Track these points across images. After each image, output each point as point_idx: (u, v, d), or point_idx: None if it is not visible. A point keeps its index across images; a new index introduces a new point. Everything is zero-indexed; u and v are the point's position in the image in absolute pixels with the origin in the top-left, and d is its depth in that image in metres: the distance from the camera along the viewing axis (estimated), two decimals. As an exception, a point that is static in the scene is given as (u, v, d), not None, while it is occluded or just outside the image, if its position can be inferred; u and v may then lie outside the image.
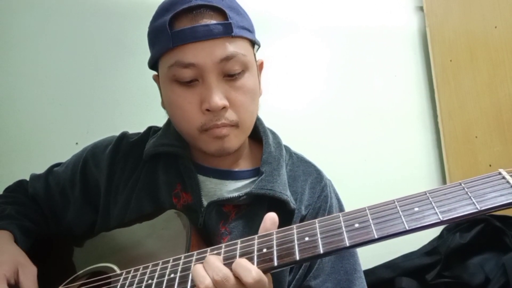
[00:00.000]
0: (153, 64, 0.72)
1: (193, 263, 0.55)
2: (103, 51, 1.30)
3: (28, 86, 1.22)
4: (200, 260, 0.55)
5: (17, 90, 1.21)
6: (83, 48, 1.28)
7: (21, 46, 1.22)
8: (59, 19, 1.26)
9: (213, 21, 0.64)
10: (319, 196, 0.76)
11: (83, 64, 1.28)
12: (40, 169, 0.86)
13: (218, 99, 0.64)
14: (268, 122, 0.83)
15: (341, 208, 0.80)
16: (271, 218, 0.56)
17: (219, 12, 0.66)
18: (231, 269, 0.50)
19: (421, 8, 1.72)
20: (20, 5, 1.22)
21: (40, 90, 1.23)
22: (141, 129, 0.84)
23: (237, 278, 0.50)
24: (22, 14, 1.23)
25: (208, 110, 0.65)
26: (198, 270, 0.51)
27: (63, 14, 1.27)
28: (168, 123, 0.80)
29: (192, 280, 0.53)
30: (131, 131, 0.85)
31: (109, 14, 1.31)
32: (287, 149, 0.83)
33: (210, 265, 0.51)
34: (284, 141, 0.82)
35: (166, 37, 0.64)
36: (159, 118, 0.83)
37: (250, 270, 0.49)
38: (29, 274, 0.65)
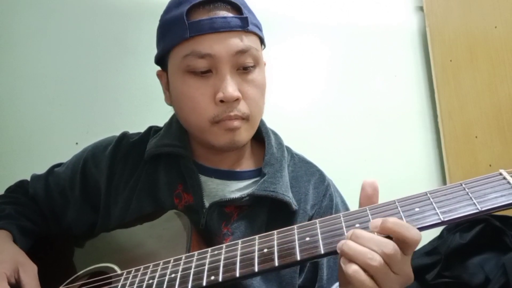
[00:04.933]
0: (161, 58, 0.72)
1: (194, 263, 0.55)
2: (104, 51, 1.30)
3: (28, 86, 1.22)
4: (201, 259, 0.55)
5: (17, 90, 1.21)
6: (84, 48, 1.28)
7: (22, 46, 1.22)
8: (59, 19, 1.26)
9: (230, 14, 0.66)
10: (324, 195, 0.77)
11: (83, 64, 1.28)
12: (40, 169, 0.86)
13: (233, 90, 0.65)
14: (269, 122, 0.83)
15: (346, 207, 0.80)
16: (370, 184, 0.53)
17: (234, 6, 0.68)
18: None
19: (421, 8, 1.73)
20: (20, 5, 1.22)
21: (40, 90, 1.23)
22: (142, 129, 0.84)
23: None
24: (23, 14, 1.23)
25: (221, 101, 0.65)
26: (355, 247, 0.45)
27: (63, 14, 1.27)
28: (170, 123, 0.80)
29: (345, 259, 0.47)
30: (132, 131, 0.85)
31: (110, 14, 1.31)
32: (289, 150, 0.83)
33: (370, 240, 0.45)
34: (285, 141, 0.82)
35: (182, 27, 0.65)
36: (160, 118, 0.83)
37: (409, 226, 0.45)
38: (30, 272, 0.65)
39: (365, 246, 0.45)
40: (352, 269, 0.45)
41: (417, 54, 1.73)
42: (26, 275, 0.64)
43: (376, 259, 0.44)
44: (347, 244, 0.46)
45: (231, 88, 0.65)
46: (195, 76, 0.67)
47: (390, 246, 0.44)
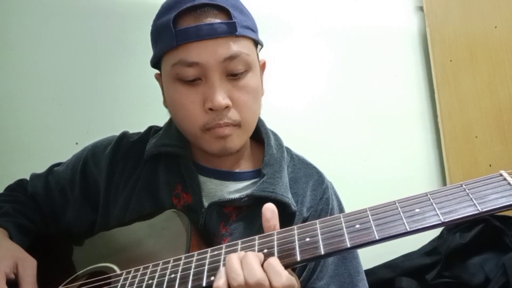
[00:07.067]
0: (156, 63, 0.72)
1: (193, 263, 0.55)
2: (103, 51, 1.30)
3: (28, 86, 1.22)
4: (200, 260, 0.55)
5: (17, 90, 1.21)
6: (83, 48, 1.28)
7: (21, 46, 1.22)
8: (59, 19, 1.26)
9: (217, 20, 0.64)
10: (321, 198, 0.76)
11: (83, 64, 1.28)
12: (40, 169, 0.86)
13: (221, 98, 0.64)
14: (269, 122, 0.83)
15: (342, 210, 0.80)
16: (269, 209, 0.56)
17: (223, 11, 0.65)
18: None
19: (421, 8, 1.73)
20: (20, 5, 1.22)
21: (40, 90, 1.23)
22: (141, 129, 0.84)
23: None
24: (22, 14, 1.23)
25: (211, 109, 0.65)
26: (233, 264, 0.50)
27: (63, 14, 1.27)
28: (169, 123, 0.80)
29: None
30: (131, 131, 0.85)
31: (109, 14, 1.31)
32: (288, 150, 0.82)
33: (247, 264, 0.49)
34: (285, 141, 0.82)
35: (169, 35, 0.64)
36: (159, 118, 0.83)
37: (281, 275, 0.48)
38: (28, 268, 0.64)
39: (241, 266, 0.49)
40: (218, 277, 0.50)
41: (417, 54, 1.73)
42: (24, 271, 0.64)
43: (237, 279, 0.48)
44: (230, 257, 0.51)
45: (219, 96, 0.64)
46: (184, 84, 0.66)
47: (255, 278, 0.48)
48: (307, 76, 1.55)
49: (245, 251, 0.53)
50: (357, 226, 0.49)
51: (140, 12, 1.32)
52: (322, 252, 0.49)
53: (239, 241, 0.55)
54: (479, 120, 1.45)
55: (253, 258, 0.50)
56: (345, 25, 1.63)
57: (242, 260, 0.50)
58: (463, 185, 0.48)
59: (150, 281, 0.56)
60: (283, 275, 0.48)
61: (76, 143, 1.19)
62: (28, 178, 0.86)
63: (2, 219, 0.72)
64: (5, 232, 0.70)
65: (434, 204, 0.48)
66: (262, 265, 0.50)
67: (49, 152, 1.18)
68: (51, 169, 0.86)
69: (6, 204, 0.77)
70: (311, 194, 0.76)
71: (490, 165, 1.42)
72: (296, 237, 0.52)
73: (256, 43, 0.72)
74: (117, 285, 0.59)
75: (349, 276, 0.73)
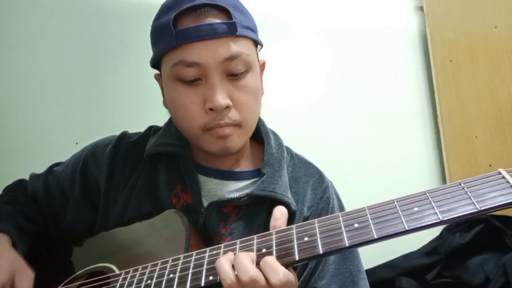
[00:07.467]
0: (156, 63, 0.72)
1: (192, 263, 0.55)
2: (103, 51, 1.30)
3: (28, 86, 1.22)
4: (199, 259, 0.55)
5: (17, 90, 1.21)
6: (83, 48, 1.28)
7: (21, 46, 1.22)
8: (59, 19, 1.26)
9: (217, 20, 0.64)
10: (321, 197, 0.76)
11: (83, 64, 1.28)
12: (40, 169, 0.86)
13: (222, 99, 0.64)
14: (269, 122, 0.83)
15: (342, 210, 0.80)
16: (279, 209, 0.57)
17: (223, 11, 0.65)
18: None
19: (421, 8, 1.72)
20: (20, 5, 1.22)
21: (40, 90, 1.23)
22: (141, 129, 0.84)
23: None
24: (22, 14, 1.23)
25: (211, 109, 0.65)
26: (222, 265, 0.50)
27: (63, 14, 1.27)
28: (169, 123, 0.80)
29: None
30: (131, 131, 0.85)
31: (109, 14, 1.31)
32: (288, 150, 0.83)
33: (239, 264, 0.49)
34: (285, 141, 0.82)
35: (169, 35, 0.64)
36: (159, 118, 0.83)
37: (278, 271, 0.48)
38: (25, 280, 0.64)
39: (233, 267, 0.50)
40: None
41: (417, 54, 1.73)
42: (21, 283, 0.63)
43: (229, 277, 0.49)
44: (219, 260, 0.51)
45: (220, 96, 0.64)
46: (184, 84, 0.66)
47: (247, 275, 0.48)
48: (307, 76, 1.55)
49: (243, 251, 0.53)
50: (356, 225, 0.49)
51: (140, 12, 1.32)
52: (321, 251, 0.49)
53: (238, 241, 0.55)
54: (479, 120, 1.45)
55: (244, 257, 0.50)
56: (345, 25, 1.63)
57: (234, 261, 0.50)
58: (462, 184, 0.48)
59: (148, 281, 0.56)
60: (280, 272, 0.48)
61: (76, 143, 1.19)
62: (27, 178, 0.86)
63: (3, 223, 0.71)
64: (8, 238, 0.69)
65: (432, 202, 0.48)
66: (258, 264, 0.50)
67: (49, 152, 1.18)
68: (50, 169, 0.86)
69: (6, 205, 0.76)
70: (312, 194, 0.76)
71: (490, 165, 1.42)
72: (294, 236, 0.52)
73: (256, 43, 0.72)
74: (116, 285, 0.59)
75: (350, 275, 0.73)
